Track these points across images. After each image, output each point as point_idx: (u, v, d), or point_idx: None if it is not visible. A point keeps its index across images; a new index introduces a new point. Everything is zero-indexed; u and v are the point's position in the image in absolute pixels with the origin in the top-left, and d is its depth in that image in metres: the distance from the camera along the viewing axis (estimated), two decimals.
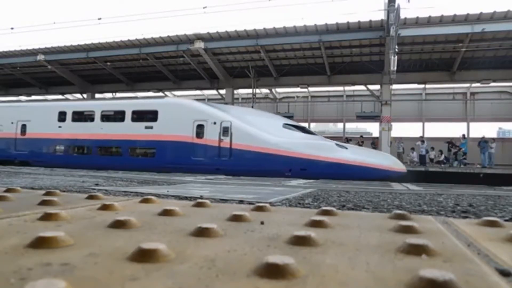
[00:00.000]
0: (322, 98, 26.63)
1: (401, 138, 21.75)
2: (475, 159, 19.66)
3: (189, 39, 19.54)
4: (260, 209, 1.75)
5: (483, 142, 19.07)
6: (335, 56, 20.07)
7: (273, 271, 0.74)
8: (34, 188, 4.09)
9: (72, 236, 1.02)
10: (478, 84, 21.85)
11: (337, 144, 14.00)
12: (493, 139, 19.82)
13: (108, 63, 22.66)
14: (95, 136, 16.03)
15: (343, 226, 1.38)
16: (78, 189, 4.25)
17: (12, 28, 36.43)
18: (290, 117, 19.16)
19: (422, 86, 23.39)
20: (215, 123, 14.29)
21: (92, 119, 16.52)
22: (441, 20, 16.13)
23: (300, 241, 1.04)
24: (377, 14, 23.63)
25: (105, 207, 1.68)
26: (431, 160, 20.60)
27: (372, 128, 27.93)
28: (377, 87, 21.51)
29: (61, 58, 22.62)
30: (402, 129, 23.86)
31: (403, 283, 0.71)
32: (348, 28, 17.47)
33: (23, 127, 17.38)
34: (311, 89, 24.87)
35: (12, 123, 17.58)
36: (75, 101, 22.53)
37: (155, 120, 15.25)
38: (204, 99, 25.33)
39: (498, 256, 0.98)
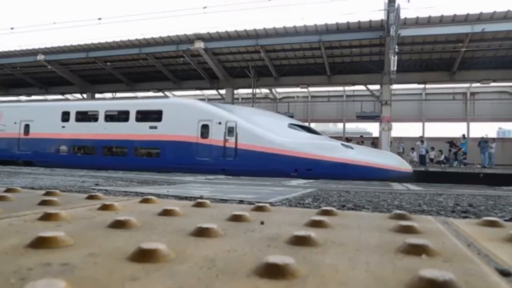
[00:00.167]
0: (322, 98, 26.62)
1: (401, 138, 21.74)
2: (475, 159, 19.65)
3: (189, 39, 19.54)
4: (260, 209, 1.75)
5: (483, 142, 19.08)
6: (335, 56, 20.07)
7: (273, 271, 0.74)
8: (34, 188, 4.09)
9: (72, 236, 1.02)
10: (478, 84, 21.85)
11: (342, 144, 13.94)
12: (493, 139, 19.82)
13: (108, 63, 22.66)
14: (99, 136, 16.00)
15: (343, 226, 1.38)
16: (78, 189, 4.25)
17: (12, 28, 36.53)
18: (291, 117, 19.13)
19: (422, 86, 23.39)
20: (220, 123, 14.22)
21: (96, 119, 16.49)
22: (441, 20, 16.13)
23: (300, 241, 1.04)
24: (377, 14, 23.70)
25: (105, 207, 1.68)
26: (431, 160, 20.59)
27: (372, 128, 27.99)
28: (377, 87, 21.50)
29: (61, 58, 22.61)
30: (402, 129, 23.89)
31: (403, 283, 0.71)
32: (348, 28, 17.46)
33: (26, 127, 17.35)
34: (311, 89, 24.87)
35: (15, 123, 17.55)
36: (79, 101, 22.49)
37: (160, 120, 15.19)
38: (204, 99, 25.30)
39: (498, 256, 0.98)
